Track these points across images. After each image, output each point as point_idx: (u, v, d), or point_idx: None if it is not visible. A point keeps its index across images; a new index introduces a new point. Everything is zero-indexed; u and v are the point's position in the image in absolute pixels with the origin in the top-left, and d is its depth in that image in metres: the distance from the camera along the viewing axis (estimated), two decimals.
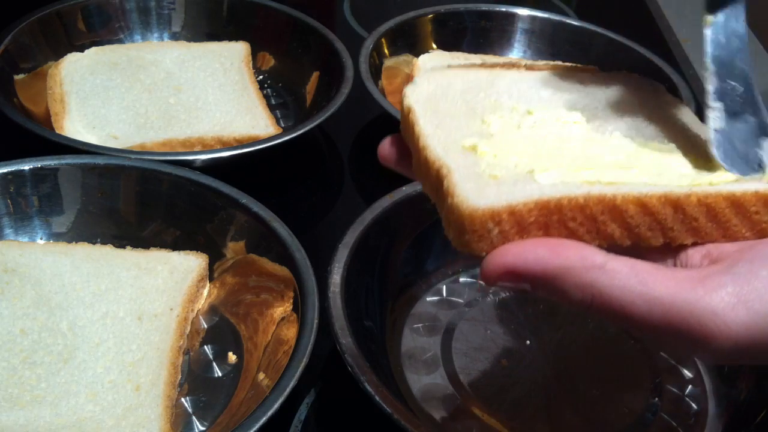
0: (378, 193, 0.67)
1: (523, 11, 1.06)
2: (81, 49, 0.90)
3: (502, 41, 1.07)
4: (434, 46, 1.03)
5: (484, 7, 1.07)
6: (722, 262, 0.35)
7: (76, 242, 0.67)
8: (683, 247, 0.37)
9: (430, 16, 1.03)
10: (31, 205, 0.67)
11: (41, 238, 0.67)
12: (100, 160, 0.68)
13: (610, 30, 1.05)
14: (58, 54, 0.89)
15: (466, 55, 1.02)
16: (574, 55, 1.04)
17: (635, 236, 0.36)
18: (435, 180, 0.38)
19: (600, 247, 0.35)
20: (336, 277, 0.59)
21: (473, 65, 0.48)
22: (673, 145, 0.43)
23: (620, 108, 0.46)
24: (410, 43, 1.01)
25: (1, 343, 0.56)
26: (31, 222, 0.67)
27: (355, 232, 0.63)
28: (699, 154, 0.41)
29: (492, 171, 0.38)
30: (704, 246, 0.37)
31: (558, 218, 0.35)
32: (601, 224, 0.36)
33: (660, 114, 0.46)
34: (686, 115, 0.46)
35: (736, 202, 0.37)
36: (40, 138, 0.71)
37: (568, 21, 1.07)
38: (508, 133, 0.42)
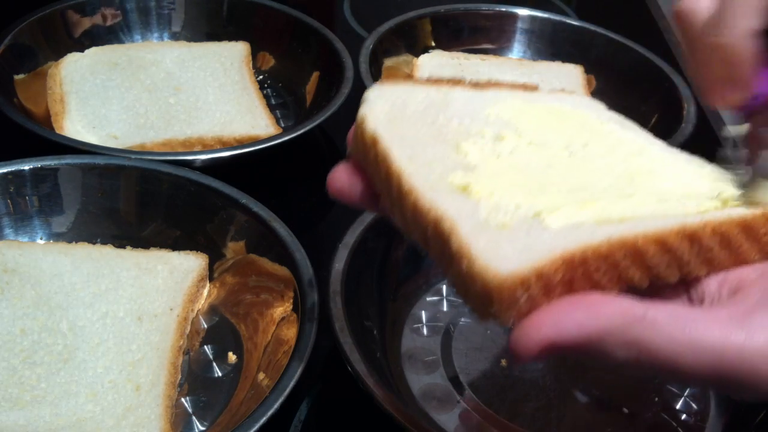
0: None
1: (523, 11, 1.06)
2: (81, 49, 0.90)
3: (502, 41, 1.07)
4: (434, 46, 1.03)
5: (484, 7, 1.07)
6: (749, 293, 0.33)
7: (76, 242, 0.67)
8: (696, 279, 0.36)
9: (430, 16, 1.03)
10: (31, 205, 0.67)
11: (41, 238, 0.67)
12: (100, 160, 0.68)
13: (610, 30, 1.05)
14: (58, 54, 0.89)
15: (465, 55, 1.02)
16: (574, 55, 1.04)
17: (654, 276, 0.35)
18: (433, 232, 0.35)
19: (620, 292, 0.34)
20: (336, 277, 0.59)
21: (417, 81, 0.46)
22: (654, 163, 0.42)
23: (578, 127, 0.45)
24: (410, 43, 1.01)
25: (1, 343, 0.56)
26: (31, 222, 0.67)
27: (355, 232, 0.63)
28: (684, 174, 0.41)
29: (497, 218, 0.35)
30: (717, 274, 0.36)
31: (583, 271, 0.33)
32: (623, 270, 0.34)
33: (615, 129, 0.45)
34: (637, 131, 0.45)
35: (747, 227, 0.36)
36: (40, 138, 0.71)
37: (568, 21, 1.07)
38: (489, 164, 0.40)
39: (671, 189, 0.39)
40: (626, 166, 0.41)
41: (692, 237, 0.35)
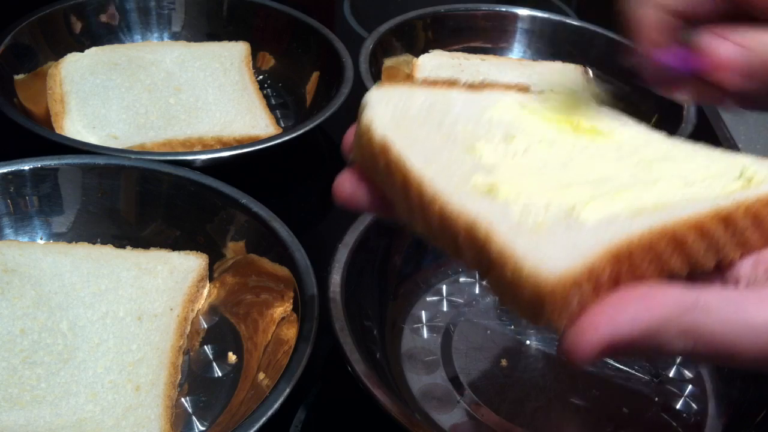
0: None
1: (523, 11, 1.06)
2: (81, 49, 0.90)
3: (502, 41, 1.07)
4: (434, 46, 1.03)
5: (484, 7, 1.07)
6: None
7: (76, 242, 0.67)
8: (729, 264, 0.35)
9: (430, 16, 1.03)
10: (31, 205, 0.67)
11: (41, 238, 0.67)
12: (100, 160, 0.68)
13: (610, 30, 1.04)
14: (58, 54, 0.89)
15: (465, 55, 1.02)
16: (574, 54, 1.04)
17: (693, 264, 0.34)
18: (466, 238, 0.34)
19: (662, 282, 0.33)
20: (336, 277, 0.59)
21: (414, 83, 0.45)
22: (664, 150, 0.41)
23: (582, 124, 0.44)
24: (410, 43, 1.01)
25: (1, 343, 0.56)
26: (31, 222, 0.67)
27: (355, 232, 0.63)
28: (696, 159, 0.40)
29: (531, 218, 0.34)
30: (750, 257, 0.35)
31: (629, 265, 0.32)
32: (665, 260, 0.33)
33: (615, 122, 0.45)
34: (632, 122, 0.45)
35: None
36: (40, 138, 0.71)
37: (568, 21, 1.07)
38: (507, 164, 0.39)
39: (692, 172, 0.39)
40: (640, 155, 0.41)
41: (727, 219, 0.34)
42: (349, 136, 0.42)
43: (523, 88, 0.47)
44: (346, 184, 0.40)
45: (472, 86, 0.46)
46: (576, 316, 0.31)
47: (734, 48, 0.38)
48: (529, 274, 0.30)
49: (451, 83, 0.45)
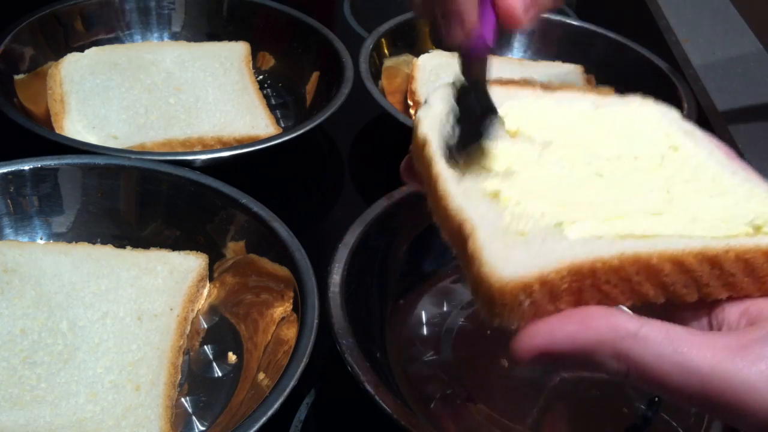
0: (378, 193, 0.67)
1: None
2: (81, 49, 0.90)
3: (501, 41, 1.07)
4: (434, 46, 1.03)
5: None
6: (761, 326, 0.33)
7: (76, 242, 0.67)
8: (718, 302, 0.36)
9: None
10: (31, 205, 0.67)
11: (41, 238, 0.67)
12: (100, 160, 0.68)
13: (610, 30, 1.05)
14: (58, 54, 0.89)
15: None
16: (574, 54, 1.04)
17: (670, 294, 0.35)
18: (457, 234, 0.36)
19: (633, 306, 0.34)
20: (336, 277, 0.59)
21: (491, 81, 0.45)
22: (703, 181, 0.41)
23: (639, 140, 0.44)
24: (410, 43, 1.01)
25: (1, 343, 0.56)
26: (31, 222, 0.67)
27: (355, 232, 0.63)
28: (730, 195, 0.40)
29: (518, 225, 0.36)
30: (742, 302, 0.36)
31: (591, 282, 0.34)
32: (635, 285, 0.34)
33: (676, 142, 0.44)
34: (703, 144, 0.44)
35: None
36: (40, 138, 0.71)
37: (568, 21, 1.07)
38: (530, 171, 0.40)
39: (709, 210, 0.39)
40: (670, 182, 0.41)
41: (713, 260, 0.35)
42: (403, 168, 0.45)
43: (604, 92, 0.48)
44: (406, 168, 0.44)
45: (545, 87, 0.47)
46: (528, 320, 0.33)
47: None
48: (486, 273, 0.33)
49: (524, 83, 0.47)
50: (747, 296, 0.36)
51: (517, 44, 1.07)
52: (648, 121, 0.46)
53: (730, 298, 0.36)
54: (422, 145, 0.41)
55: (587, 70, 1.02)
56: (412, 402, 0.60)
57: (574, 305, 0.34)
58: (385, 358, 0.62)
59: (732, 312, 0.35)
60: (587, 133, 0.44)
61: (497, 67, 1.07)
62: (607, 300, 0.34)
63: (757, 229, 0.37)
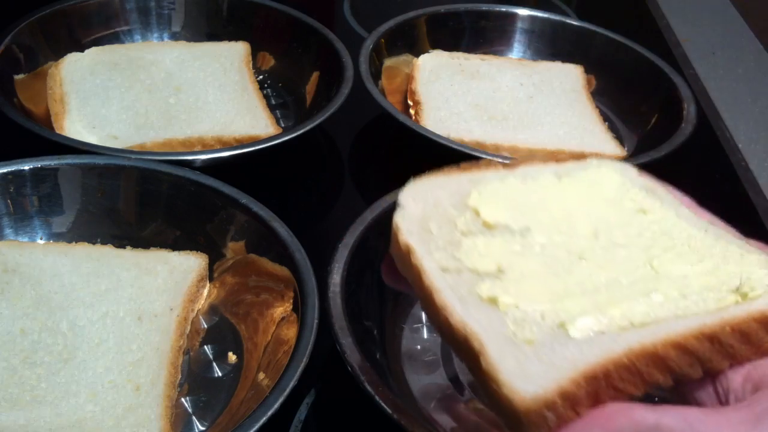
0: (378, 193, 0.67)
1: (523, 11, 1.06)
2: (81, 49, 0.90)
3: (501, 41, 1.07)
4: (434, 45, 1.03)
5: (484, 7, 1.07)
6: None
7: (76, 242, 0.67)
8: (722, 371, 0.37)
9: (430, 16, 1.03)
10: (31, 205, 0.67)
11: (41, 238, 0.67)
12: (100, 160, 0.68)
13: (610, 30, 1.05)
14: (58, 54, 0.89)
15: (465, 55, 1.02)
16: (574, 55, 1.04)
17: (677, 375, 0.36)
18: (465, 348, 0.37)
19: (645, 393, 0.35)
20: (336, 277, 0.59)
21: (454, 169, 0.47)
22: (679, 245, 0.43)
23: (608, 210, 0.45)
24: (410, 43, 1.01)
25: (1, 343, 0.56)
26: (31, 222, 0.67)
27: (355, 232, 0.63)
28: (708, 259, 0.42)
29: (523, 333, 0.37)
30: (743, 367, 0.37)
31: (606, 383, 0.35)
32: (646, 375, 0.36)
33: (643, 205, 0.46)
34: (668, 202, 0.46)
35: (765, 321, 0.37)
36: (40, 138, 0.71)
37: (568, 21, 1.07)
38: (518, 266, 0.41)
39: (695, 280, 0.40)
40: (651, 253, 0.42)
41: (711, 338, 0.36)
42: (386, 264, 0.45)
43: (562, 158, 0.49)
44: (391, 270, 0.44)
45: (507, 165, 0.47)
46: (554, 429, 0.34)
47: None
48: (508, 393, 0.34)
49: (488, 164, 0.47)
50: (746, 360, 0.37)
51: (517, 44, 1.07)
52: (610, 185, 0.47)
53: (731, 365, 0.37)
54: (406, 252, 0.41)
55: (587, 70, 1.02)
56: (411, 402, 0.60)
57: (591, 406, 0.35)
58: (385, 358, 0.62)
59: (735, 379, 0.37)
60: (558, 210, 0.45)
61: (497, 67, 1.07)
62: (621, 394, 0.35)
63: (744, 296, 0.39)
